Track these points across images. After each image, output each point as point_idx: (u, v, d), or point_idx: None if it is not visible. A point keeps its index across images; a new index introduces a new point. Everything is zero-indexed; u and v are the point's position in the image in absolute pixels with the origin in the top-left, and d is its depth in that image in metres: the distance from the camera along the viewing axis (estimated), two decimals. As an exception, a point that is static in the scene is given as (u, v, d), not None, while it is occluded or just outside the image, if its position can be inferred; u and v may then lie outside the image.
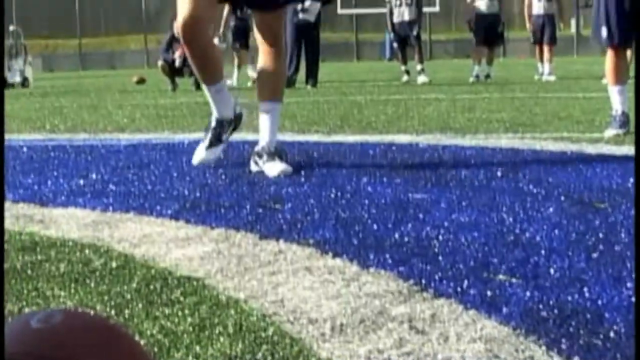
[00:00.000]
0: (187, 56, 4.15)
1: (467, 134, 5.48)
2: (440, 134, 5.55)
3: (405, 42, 13.98)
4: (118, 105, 9.82)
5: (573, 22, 40.72)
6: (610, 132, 5.29)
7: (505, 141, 5.04)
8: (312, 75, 13.13)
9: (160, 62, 13.77)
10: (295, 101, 9.42)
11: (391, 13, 13.95)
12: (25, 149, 5.19)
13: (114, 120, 7.43)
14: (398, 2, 13.83)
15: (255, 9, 4.13)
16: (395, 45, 14.55)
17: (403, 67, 14.09)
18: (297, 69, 13.20)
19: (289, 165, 3.93)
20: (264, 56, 4.13)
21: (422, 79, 13.38)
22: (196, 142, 4.50)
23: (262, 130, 4.09)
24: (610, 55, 5.40)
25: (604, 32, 5.32)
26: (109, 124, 7.10)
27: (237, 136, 4.66)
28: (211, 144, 4.19)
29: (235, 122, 4.28)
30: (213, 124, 4.22)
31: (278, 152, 3.99)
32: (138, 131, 6.35)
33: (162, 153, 4.82)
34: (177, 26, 4.04)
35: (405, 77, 13.85)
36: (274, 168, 3.87)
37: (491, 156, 4.39)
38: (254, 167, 4.00)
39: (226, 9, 15.55)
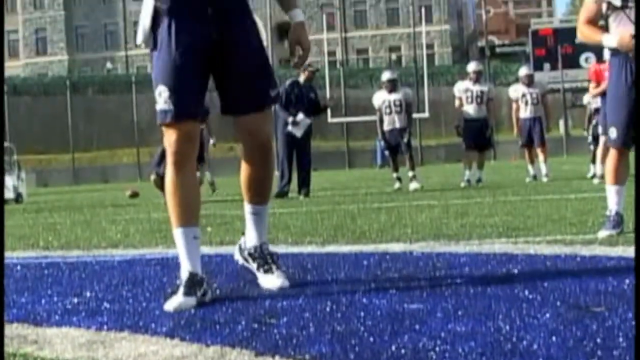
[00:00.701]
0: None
1: (460, 240, 5.49)
2: (433, 241, 5.56)
3: (397, 149, 14.09)
4: (112, 220, 9.83)
5: (561, 122, 41.27)
6: (604, 233, 5.31)
7: (499, 246, 5.05)
8: (304, 185, 13.18)
9: (152, 176, 13.83)
10: (289, 212, 9.45)
11: (381, 121, 14.08)
12: (19, 267, 5.17)
13: (108, 236, 7.43)
14: (388, 110, 13.97)
15: (242, 114, 3.83)
16: (386, 152, 14.63)
17: (395, 174, 14.18)
18: (289, 181, 13.26)
19: (284, 273, 3.90)
20: (250, 161, 3.92)
21: (413, 185, 13.46)
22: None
23: (250, 231, 4.02)
24: (614, 155, 5.45)
25: (613, 132, 5.40)
26: (102, 239, 7.10)
27: (229, 249, 4.65)
28: (187, 294, 3.54)
29: (204, 283, 3.63)
30: (185, 277, 3.62)
31: (271, 257, 3.93)
32: (132, 246, 6.34)
33: (156, 269, 4.81)
34: (170, 156, 3.74)
35: (397, 184, 13.93)
36: (271, 282, 3.83)
37: (485, 262, 4.39)
38: (240, 261, 3.98)
39: None
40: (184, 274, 3.61)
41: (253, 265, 3.95)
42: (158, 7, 3.69)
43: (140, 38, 3.76)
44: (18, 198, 18.27)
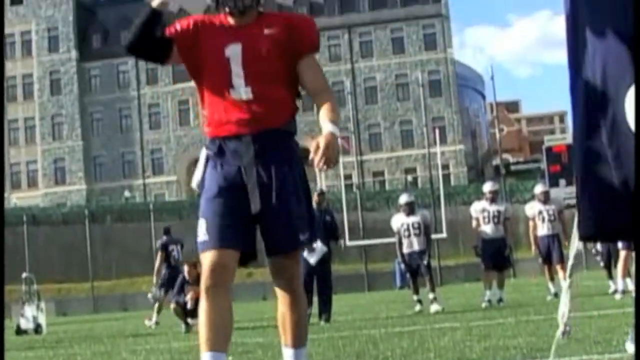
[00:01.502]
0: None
1: (485, 364, 5.43)
2: (458, 365, 5.50)
3: (417, 271, 14.04)
4: (132, 350, 9.77)
5: (580, 239, 41.12)
6: (631, 347, 5.22)
7: (524, 369, 4.99)
8: (325, 310, 13.09)
9: (172, 305, 13.83)
10: (310, 338, 9.36)
11: (400, 244, 14.06)
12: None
13: (129, 367, 7.39)
14: (407, 233, 13.97)
15: (271, 255, 4.05)
16: (407, 275, 14.55)
17: (415, 297, 14.10)
18: (310, 304, 13.16)
19: None
20: (282, 302, 4.11)
21: (434, 307, 13.37)
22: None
23: None
24: None
25: None
26: (124, 371, 7.06)
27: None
28: None
29: None
30: None
31: None
32: (154, 378, 6.30)
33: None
34: (203, 283, 3.93)
35: (418, 307, 13.84)
36: None
37: (511, 387, 4.34)
38: None
39: (158, 259, 17.08)
40: None
41: None
42: (209, 154, 4.06)
43: (194, 183, 4.12)
44: (37, 328, 18.20)
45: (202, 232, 3.92)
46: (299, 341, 4.11)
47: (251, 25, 4.06)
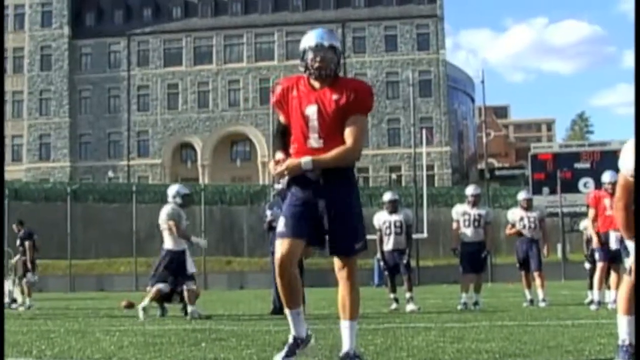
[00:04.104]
0: (277, 285, 5.58)
1: (456, 366, 5.46)
2: (429, 365, 5.53)
3: (395, 270, 14.05)
4: (106, 331, 9.77)
5: (559, 247, 41.26)
6: None
7: (494, 374, 5.02)
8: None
9: (148, 288, 13.78)
10: (284, 329, 9.39)
11: (381, 241, 14.06)
12: (11, 378, 5.14)
13: (102, 347, 7.38)
14: (388, 231, 13.97)
15: (334, 254, 5.58)
16: (385, 272, 14.51)
17: (392, 295, 14.13)
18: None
19: None
20: (343, 288, 5.54)
21: (410, 307, 13.41)
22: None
23: (345, 339, 5.47)
24: (629, 284, 5.40)
25: (627, 263, 5.41)
26: (96, 351, 7.06)
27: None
28: (287, 356, 5.50)
29: (306, 341, 5.60)
30: (291, 340, 5.55)
31: (357, 356, 5.43)
32: (125, 359, 6.30)
33: (150, 384, 4.77)
34: (277, 261, 5.45)
35: (394, 305, 13.88)
36: None
37: (481, 390, 4.36)
38: None
39: (28, 249, 17.48)
40: (290, 338, 5.55)
41: None
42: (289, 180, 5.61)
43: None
44: (12, 304, 18.16)
45: (281, 225, 5.50)
46: (353, 316, 5.51)
47: (327, 88, 5.51)
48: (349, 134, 5.45)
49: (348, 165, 5.56)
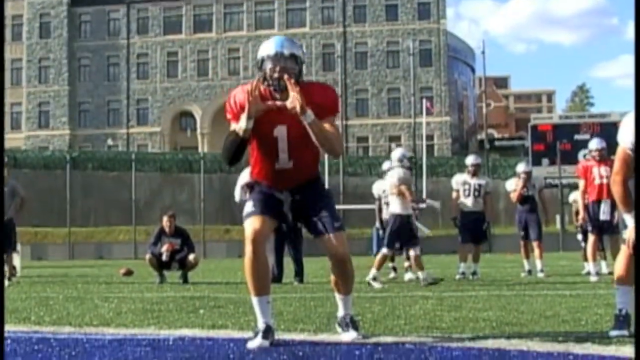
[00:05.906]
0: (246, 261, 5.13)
1: (453, 334, 5.47)
2: (426, 333, 5.54)
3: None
4: (104, 297, 9.79)
5: (558, 218, 41.31)
6: (615, 333, 5.25)
7: (492, 341, 5.03)
8: (299, 272, 13.12)
9: (147, 255, 13.83)
10: (283, 297, 9.42)
11: (380, 210, 14.06)
12: (9, 341, 5.15)
13: (100, 314, 7.40)
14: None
15: (317, 235, 5.30)
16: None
17: (390, 264, 14.14)
18: (279, 266, 13.02)
19: (359, 332, 5.34)
20: (335, 271, 5.41)
21: (408, 276, 13.42)
22: (181, 339, 4.46)
23: (340, 307, 5.52)
24: (627, 255, 5.37)
25: (625, 234, 5.38)
26: (94, 317, 7.07)
27: (220, 332, 4.63)
28: (265, 338, 5.06)
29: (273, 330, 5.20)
30: (263, 326, 5.11)
31: (352, 322, 5.43)
32: (123, 326, 6.32)
33: (147, 350, 4.78)
34: (249, 239, 5.11)
35: (392, 274, 13.89)
36: (347, 336, 5.30)
37: (478, 357, 4.38)
38: (338, 330, 5.49)
39: None
40: (261, 325, 5.10)
41: (340, 329, 5.47)
42: (251, 183, 5.53)
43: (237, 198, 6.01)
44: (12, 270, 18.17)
45: (249, 206, 5.26)
46: (347, 291, 5.49)
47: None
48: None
49: (330, 150, 5.18)
